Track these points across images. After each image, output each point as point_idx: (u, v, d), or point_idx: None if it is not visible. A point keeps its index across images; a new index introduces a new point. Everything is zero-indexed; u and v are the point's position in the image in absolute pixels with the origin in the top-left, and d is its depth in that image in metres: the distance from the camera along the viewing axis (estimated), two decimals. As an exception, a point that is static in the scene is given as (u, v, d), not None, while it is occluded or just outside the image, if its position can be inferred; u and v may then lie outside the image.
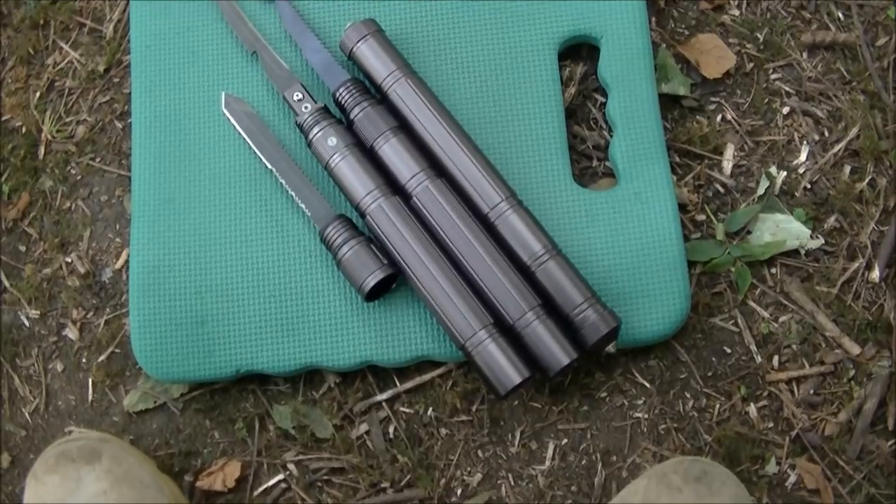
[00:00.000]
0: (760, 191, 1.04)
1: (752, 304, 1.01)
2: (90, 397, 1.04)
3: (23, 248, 1.09)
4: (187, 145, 1.04)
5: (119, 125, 1.11)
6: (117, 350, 1.04)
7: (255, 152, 1.02)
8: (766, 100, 1.07)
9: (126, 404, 1.03)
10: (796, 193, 1.04)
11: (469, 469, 0.99)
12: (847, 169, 1.05)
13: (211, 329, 0.99)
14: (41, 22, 1.15)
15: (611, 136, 1.04)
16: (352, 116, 0.99)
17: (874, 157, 1.04)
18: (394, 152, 0.97)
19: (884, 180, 1.04)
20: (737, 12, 1.10)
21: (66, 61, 1.14)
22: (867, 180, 1.04)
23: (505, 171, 1.00)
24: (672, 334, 0.98)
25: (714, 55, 1.08)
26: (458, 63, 1.04)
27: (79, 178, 1.10)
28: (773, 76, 1.08)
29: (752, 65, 1.08)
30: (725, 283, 1.02)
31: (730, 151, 1.05)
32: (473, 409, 1.00)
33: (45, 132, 1.12)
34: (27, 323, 1.06)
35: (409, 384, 1.00)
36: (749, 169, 1.05)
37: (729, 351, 1.00)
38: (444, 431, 1.00)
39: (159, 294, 1.00)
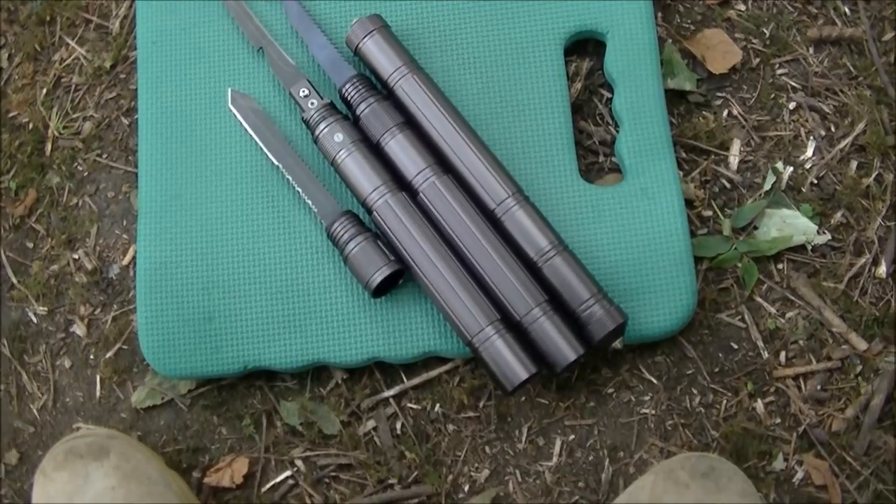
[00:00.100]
0: (767, 186, 1.04)
1: (758, 299, 1.01)
2: (98, 394, 1.04)
3: (30, 245, 1.09)
4: (194, 141, 1.04)
5: (125, 121, 1.11)
6: (125, 346, 1.05)
7: (261, 148, 1.02)
8: (773, 95, 1.07)
9: (134, 401, 1.03)
10: (803, 189, 1.04)
11: (476, 465, 0.99)
12: (854, 164, 1.05)
13: (218, 325, 0.99)
14: (47, 18, 1.15)
15: (617, 131, 1.04)
16: (358, 112, 0.99)
17: (881, 153, 1.04)
18: (400, 148, 0.97)
19: (890, 176, 1.04)
20: (743, 7, 1.10)
21: (72, 58, 1.14)
22: (874, 175, 1.04)
23: (511, 166, 1.00)
24: (679, 330, 0.98)
25: (720, 50, 1.08)
26: (465, 58, 1.04)
27: (86, 174, 1.10)
28: (780, 71, 1.08)
29: (758, 60, 1.08)
30: (732, 279, 1.02)
31: (736, 147, 1.05)
32: (480, 405, 1.00)
33: (51, 128, 1.12)
34: (35, 319, 1.07)
35: (416, 380, 1.01)
36: (755, 164, 1.05)
37: (736, 347, 1.00)
38: (451, 427, 1.00)
39: (166, 290, 1.00)
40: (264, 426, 1.01)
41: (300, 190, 0.99)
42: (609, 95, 1.06)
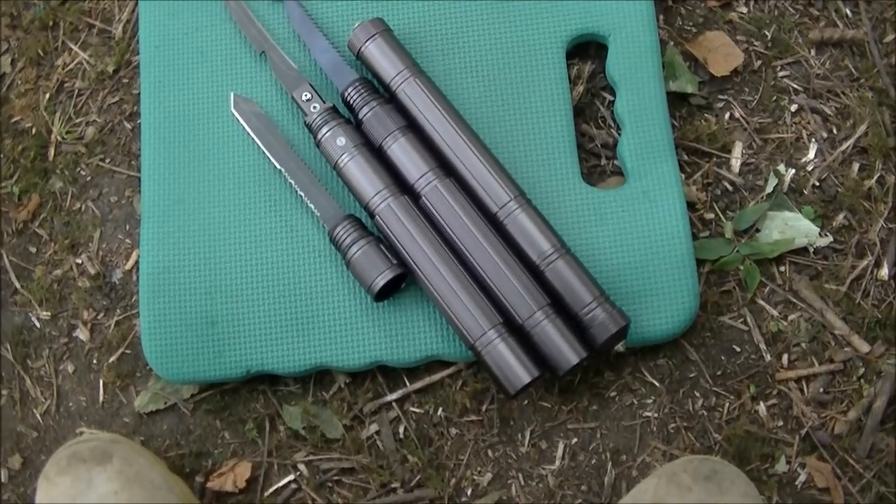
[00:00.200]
0: (769, 189, 1.04)
1: (760, 302, 1.01)
2: (101, 398, 1.04)
3: (33, 250, 1.09)
4: (196, 146, 1.04)
5: (128, 126, 1.11)
6: (128, 351, 1.05)
7: (263, 152, 1.02)
8: (774, 97, 1.07)
9: (137, 405, 1.03)
10: (805, 191, 1.04)
11: (479, 469, 0.99)
12: (855, 166, 1.05)
13: (221, 330, 0.99)
14: (50, 23, 1.16)
15: (619, 134, 1.04)
16: (360, 116, 0.99)
17: (883, 155, 1.04)
18: (402, 152, 0.97)
19: (892, 177, 1.04)
20: (744, 10, 1.10)
21: (75, 62, 1.14)
22: (876, 177, 1.04)
23: (513, 169, 1.00)
24: (681, 333, 0.98)
25: (722, 53, 1.08)
26: (467, 62, 1.05)
27: (88, 179, 1.10)
28: (781, 73, 1.08)
29: (759, 62, 1.08)
30: (734, 282, 1.02)
31: (738, 149, 1.05)
32: (483, 408, 1.00)
33: (54, 133, 1.12)
34: (38, 324, 1.07)
35: (418, 384, 1.01)
36: (757, 167, 1.05)
37: (738, 349, 1.00)
38: (453, 431, 1.00)
39: (169, 295, 1.00)
40: (267, 430, 1.01)
41: (302, 194, 0.99)
42: (611, 98, 1.06)
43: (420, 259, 0.94)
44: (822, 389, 0.99)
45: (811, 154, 1.05)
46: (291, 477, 1.00)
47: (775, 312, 1.01)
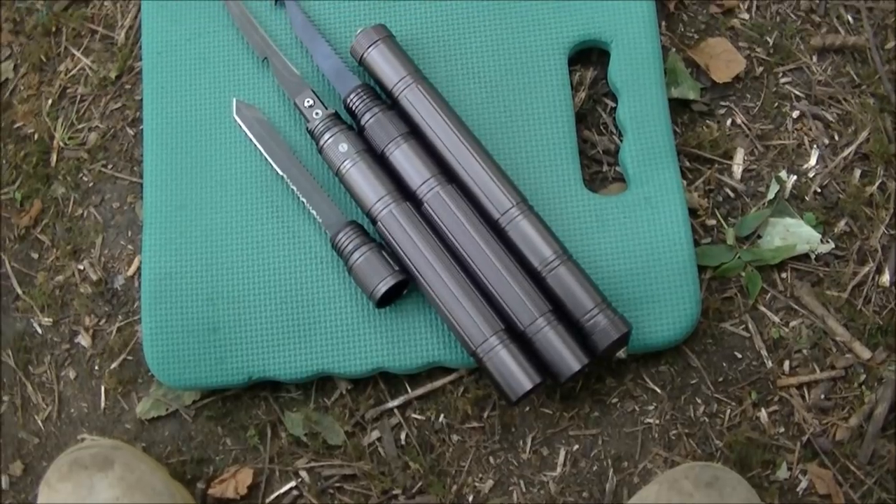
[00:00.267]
0: (770, 195, 1.04)
1: (762, 308, 1.01)
2: (102, 404, 1.04)
3: (35, 256, 1.09)
4: (198, 152, 1.04)
5: (131, 132, 1.11)
6: (129, 357, 1.05)
7: (266, 158, 1.02)
8: (776, 104, 1.07)
9: (138, 411, 1.03)
10: (806, 197, 1.04)
11: (481, 475, 0.99)
12: (857, 173, 1.05)
13: (223, 336, 0.99)
14: (53, 29, 1.16)
15: (621, 140, 1.04)
16: (362, 122, 0.99)
17: (884, 161, 1.04)
18: (404, 158, 0.97)
19: (894, 184, 1.04)
20: (746, 16, 1.10)
21: (77, 68, 1.14)
22: (877, 184, 1.04)
23: (515, 176, 1.00)
24: (683, 339, 0.98)
25: (724, 59, 1.08)
26: (469, 68, 1.05)
27: (91, 184, 1.10)
28: (783, 80, 1.08)
29: (761, 69, 1.08)
30: (736, 288, 1.02)
31: (740, 156, 1.05)
32: (485, 415, 1.00)
33: (57, 139, 1.12)
34: (40, 330, 1.07)
35: (420, 391, 1.01)
36: (759, 173, 1.05)
37: (739, 356, 1.00)
38: (455, 438, 1.00)
39: (171, 301, 1.00)
40: (269, 437, 1.01)
41: (304, 200, 0.99)
42: (613, 105, 1.07)
43: (422, 265, 0.94)
44: (823, 396, 0.99)
45: (813, 160, 1.05)
46: (293, 483, 1.00)
47: (777, 319, 1.01)
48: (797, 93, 1.07)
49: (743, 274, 1.01)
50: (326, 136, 0.98)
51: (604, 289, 0.97)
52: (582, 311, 0.93)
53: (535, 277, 0.94)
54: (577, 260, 0.96)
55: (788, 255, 1.01)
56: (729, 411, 0.99)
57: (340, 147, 0.98)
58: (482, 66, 1.05)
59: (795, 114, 1.07)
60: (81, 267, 1.08)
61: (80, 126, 1.12)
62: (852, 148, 1.05)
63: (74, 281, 1.07)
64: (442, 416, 1.00)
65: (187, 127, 1.05)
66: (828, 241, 1.02)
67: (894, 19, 1.09)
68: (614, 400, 1.00)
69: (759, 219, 1.03)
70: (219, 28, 1.08)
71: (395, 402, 1.01)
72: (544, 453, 0.99)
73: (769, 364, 0.99)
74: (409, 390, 1.01)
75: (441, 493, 0.98)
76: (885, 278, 1.01)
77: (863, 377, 0.99)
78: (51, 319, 1.07)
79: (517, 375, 0.91)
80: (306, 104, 1.01)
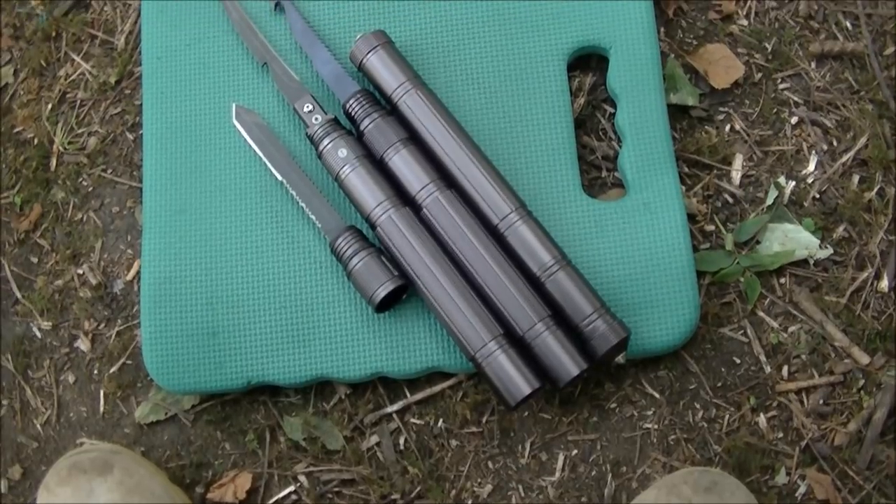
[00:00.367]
0: (769, 201, 1.04)
1: (761, 314, 1.01)
2: (102, 409, 1.04)
3: (35, 260, 1.09)
4: (198, 157, 1.04)
5: (130, 136, 1.11)
6: (129, 361, 1.05)
7: (265, 164, 1.02)
8: (775, 110, 1.07)
9: (137, 416, 1.03)
10: (805, 203, 1.04)
11: (479, 480, 0.99)
12: (856, 178, 1.05)
13: (222, 340, 0.99)
14: (53, 34, 1.16)
15: (620, 146, 1.04)
16: (362, 128, 0.99)
17: (883, 167, 1.04)
18: (404, 163, 0.97)
19: (892, 190, 1.04)
20: (745, 22, 1.10)
21: (77, 73, 1.14)
22: (876, 190, 1.04)
23: (514, 181, 1.00)
24: (681, 345, 0.98)
25: (722, 65, 1.08)
26: (468, 74, 1.05)
27: (90, 189, 1.10)
28: (782, 86, 1.08)
29: (760, 75, 1.08)
30: (734, 294, 1.02)
31: (738, 161, 1.06)
32: (483, 420, 1.00)
33: (56, 144, 1.12)
34: (39, 334, 1.07)
35: (419, 395, 1.01)
36: (758, 179, 1.05)
37: (738, 361, 1.00)
38: (454, 443, 1.00)
39: (170, 305, 1.00)
40: (268, 441, 1.01)
41: (304, 205, 1.00)
42: (612, 110, 1.07)
43: (421, 270, 0.94)
44: (822, 401, 0.99)
45: (811, 166, 1.05)
46: (292, 488, 1.00)
47: (775, 324, 1.01)
48: (796, 99, 1.08)
49: (742, 279, 1.02)
50: (326, 141, 0.99)
51: (603, 294, 0.97)
52: (581, 316, 0.93)
53: (534, 283, 0.94)
54: (576, 265, 0.96)
55: (787, 261, 1.01)
56: (728, 416, 0.99)
57: (340, 152, 0.98)
58: (481, 71, 1.05)
59: (794, 120, 1.07)
60: (81, 271, 1.08)
61: (79, 131, 1.12)
62: (851, 154, 1.05)
63: (74, 285, 1.07)
64: (441, 420, 1.00)
65: (187, 132, 1.05)
66: (826, 247, 1.02)
67: (893, 25, 1.09)
68: (613, 405, 1.00)
69: (758, 224, 1.03)
70: (218, 33, 1.08)
71: (394, 407, 1.01)
72: (543, 458, 0.99)
73: (768, 369, 1.00)
74: (408, 395, 1.01)
75: (440, 497, 0.98)
76: (884, 284, 1.01)
77: (861, 382, 0.99)
78: (50, 323, 1.07)
79: (516, 380, 0.91)
80: (306, 109, 1.01)
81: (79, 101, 1.13)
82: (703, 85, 1.08)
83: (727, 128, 1.07)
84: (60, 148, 1.12)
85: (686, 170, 1.05)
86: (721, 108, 1.08)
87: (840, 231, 1.03)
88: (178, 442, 1.02)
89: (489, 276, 0.94)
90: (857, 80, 1.08)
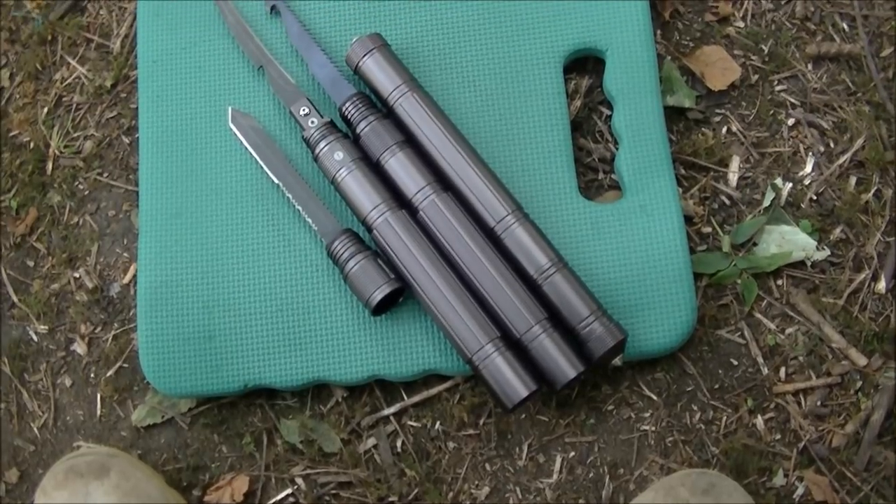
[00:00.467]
0: (766, 202, 1.04)
1: (758, 315, 1.01)
2: (98, 412, 1.04)
3: (31, 264, 1.09)
4: (194, 160, 1.04)
5: (126, 140, 1.11)
6: (125, 365, 1.05)
7: (261, 167, 1.02)
8: (772, 111, 1.07)
9: (134, 419, 1.03)
10: (802, 205, 1.04)
11: (477, 483, 0.99)
12: (853, 180, 1.05)
13: (219, 343, 0.99)
14: (49, 38, 1.16)
15: (616, 148, 1.04)
16: (358, 131, 0.99)
17: (879, 168, 1.04)
18: (400, 166, 0.97)
19: (889, 191, 1.04)
20: (742, 24, 1.10)
21: (73, 77, 1.14)
22: (873, 191, 1.04)
23: (511, 184, 1.00)
24: (678, 347, 0.98)
25: (719, 67, 1.08)
26: (464, 77, 1.05)
27: (86, 193, 1.10)
28: (778, 88, 1.08)
29: (757, 76, 1.08)
30: (732, 296, 1.02)
31: (735, 163, 1.06)
32: (481, 422, 1.00)
33: (52, 147, 1.12)
34: (35, 338, 1.07)
35: (416, 398, 1.01)
36: (754, 181, 1.05)
37: (735, 363, 1.00)
38: (451, 445, 1.00)
39: (167, 309, 1.00)
40: (265, 444, 1.01)
41: (300, 208, 1.00)
42: (608, 113, 1.07)
43: (418, 273, 0.94)
44: (819, 403, 0.99)
45: (808, 168, 1.05)
46: (289, 491, 1.00)
47: (773, 326, 1.01)
48: (792, 100, 1.08)
49: (739, 281, 1.02)
50: (322, 144, 0.98)
51: (599, 296, 0.97)
52: (578, 318, 0.93)
53: (530, 285, 0.94)
54: (572, 267, 0.96)
55: (784, 263, 1.01)
56: (725, 418, 0.99)
57: (336, 155, 0.98)
58: (478, 74, 1.05)
59: (791, 121, 1.07)
60: (77, 275, 1.08)
61: (75, 134, 1.12)
62: (848, 155, 1.05)
63: (70, 289, 1.07)
64: (438, 423, 1.00)
65: (183, 135, 1.05)
66: (823, 249, 1.02)
67: (889, 27, 1.09)
68: (610, 407, 1.00)
69: (755, 226, 1.03)
70: (214, 36, 1.08)
71: (391, 410, 1.01)
72: (540, 460, 0.99)
73: (765, 371, 1.00)
74: (405, 398, 1.01)
75: (437, 500, 0.98)
76: (881, 285, 1.01)
77: (859, 384, 0.99)
78: (46, 327, 1.07)
79: (513, 383, 0.91)
80: (302, 112, 1.01)
81: (75, 105, 1.13)
82: (700, 87, 1.08)
83: (724, 130, 1.07)
84: (56, 151, 1.12)
85: (683, 172, 1.05)
86: (718, 110, 1.08)
87: (837, 233, 1.03)
88: (175, 445, 1.02)
89: (486, 279, 0.94)
90: (854, 82, 1.08)
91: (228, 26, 1.06)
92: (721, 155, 1.05)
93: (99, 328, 1.06)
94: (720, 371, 1.00)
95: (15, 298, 1.08)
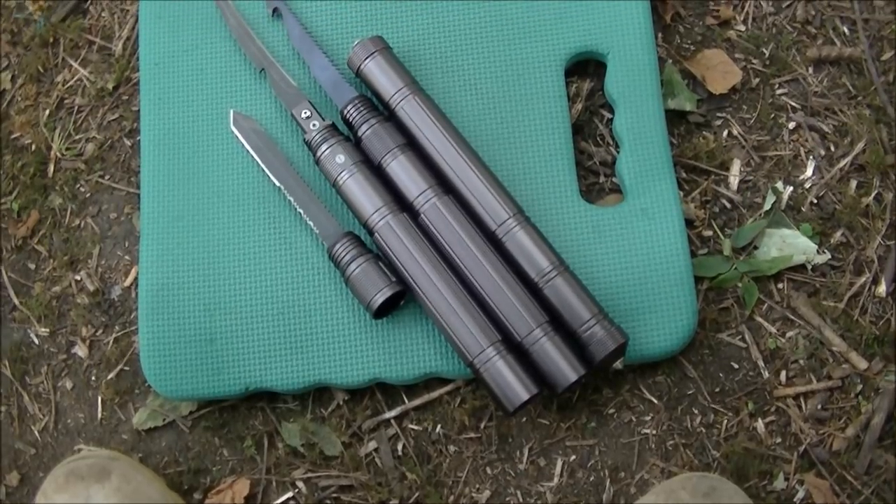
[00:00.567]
0: (767, 206, 1.04)
1: (759, 319, 1.01)
2: (99, 415, 1.04)
3: (32, 266, 1.09)
4: (196, 163, 1.04)
5: (128, 143, 1.12)
6: (126, 368, 1.05)
7: (263, 170, 1.02)
8: (772, 115, 1.07)
9: (135, 422, 1.03)
10: (803, 208, 1.04)
11: (477, 486, 0.99)
12: (853, 183, 1.05)
13: (220, 346, 0.99)
14: (51, 40, 1.16)
15: (618, 152, 1.04)
16: (360, 134, 0.99)
17: (880, 172, 1.04)
18: (401, 169, 0.97)
19: (890, 195, 1.04)
20: (743, 28, 1.10)
21: (75, 79, 1.14)
22: (873, 195, 1.04)
23: (512, 187, 1.00)
24: (679, 350, 0.98)
25: (720, 70, 1.08)
26: (466, 80, 1.05)
27: (88, 195, 1.10)
28: (779, 91, 1.08)
29: (757, 80, 1.09)
30: (732, 299, 1.02)
31: (736, 167, 1.06)
32: (482, 425, 1.00)
33: (54, 150, 1.12)
34: (36, 341, 1.07)
35: (417, 401, 1.01)
36: (755, 184, 1.05)
37: (736, 366, 1.00)
38: (452, 448, 1.00)
39: (168, 311, 1.00)
40: (266, 447, 1.01)
41: (302, 211, 1.00)
42: (610, 116, 1.07)
43: (419, 276, 0.94)
44: (820, 406, 0.99)
45: (809, 171, 1.05)
46: (290, 494, 1.00)
47: (773, 329, 1.01)
48: (793, 104, 1.08)
49: (739, 285, 1.02)
50: (323, 147, 0.99)
51: (600, 300, 0.97)
52: (579, 322, 0.93)
53: (531, 288, 0.94)
54: (573, 271, 0.96)
55: (785, 266, 1.01)
56: (726, 422, 0.99)
57: (337, 158, 0.98)
58: (479, 77, 1.05)
59: (792, 125, 1.07)
60: (78, 277, 1.08)
61: (77, 137, 1.12)
62: (848, 159, 1.05)
63: (71, 291, 1.07)
64: (439, 426, 1.00)
65: (184, 138, 1.05)
66: (824, 252, 1.02)
67: (890, 31, 1.09)
68: (611, 410, 1.00)
69: (756, 230, 1.03)
70: (216, 39, 1.08)
71: (392, 413, 1.01)
72: (541, 464, 0.99)
73: (766, 374, 1.00)
74: (406, 401, 1.01)
75: (438, 503, 0.98)
76: (882, 289, 1.01)
77: (859, 387, 0.99)
78: (47, 330, 1.07)
79: (514, 386, 0.91)
80: (303, 115, 1.01)
81: (76, 107, 1.13)
82: (701, 90, 1.08)
83: (725, 133, 1.07)
84: (58, 154, 1.12)
85: (684, 175, 1.05)
86: (719, 114, 1.08)
87: (838, 236, 1.03)
88: (176, 448, 1.02)
89: (487, 282, 0.94)
90: (855, 86, 1.08)
91: (230, 29, 1.07)
92: (722, 158, 1.06)
93: (100, 331, 1.06)
94: (721, 374, 1.00)
95: (16, 301, 1.08)
